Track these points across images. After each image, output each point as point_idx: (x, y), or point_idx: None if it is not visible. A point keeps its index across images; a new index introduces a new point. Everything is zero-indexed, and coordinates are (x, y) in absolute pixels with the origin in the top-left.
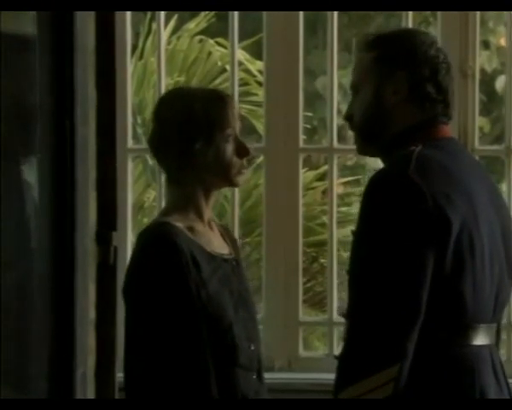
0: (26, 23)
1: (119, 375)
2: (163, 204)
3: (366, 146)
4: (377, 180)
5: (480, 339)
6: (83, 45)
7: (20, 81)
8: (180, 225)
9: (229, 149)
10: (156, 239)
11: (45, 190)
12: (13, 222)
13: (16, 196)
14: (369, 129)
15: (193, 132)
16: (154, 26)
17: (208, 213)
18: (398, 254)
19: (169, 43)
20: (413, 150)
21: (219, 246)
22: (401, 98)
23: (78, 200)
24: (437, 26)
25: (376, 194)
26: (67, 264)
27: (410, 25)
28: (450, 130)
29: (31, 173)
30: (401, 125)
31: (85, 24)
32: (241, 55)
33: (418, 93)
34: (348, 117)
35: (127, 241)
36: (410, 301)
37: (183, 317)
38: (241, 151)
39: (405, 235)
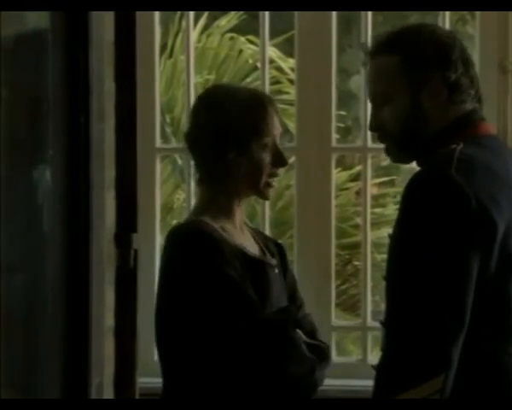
0: (38, 14)
1: (142, 380)
2: (192, 205)
3: (404, 154)
4: (418, 181)
5: None
6: (98, 36)
7: (31, 75)
8: (213, 224)
9: (265, 158)
10: (194, 234)
11: (58, 189)
12: (23, 223)
13: (27, 196)
14: (408, 137)
15: (228, 140)
16: (183, 23)
17: (240, 215)
18: (440, 258)
19: (199, 40)
20: (454, 149)
21: (252, 249)
22: (441, 100)
23: (93, 200)
24: (475, 22)
25: (417, 195)
26: (82, 267)
27: (447, 22)
28: (492, 127)
29: (43, 171)
30: (440, 125)
31: (101, 15)
32: (272, 52)
33: (457, 91)
34: (376, 128)
35: (155, 243)
36: (455, 308)
37: (233, 303)
38: (278, 161)
39: (448, 238)
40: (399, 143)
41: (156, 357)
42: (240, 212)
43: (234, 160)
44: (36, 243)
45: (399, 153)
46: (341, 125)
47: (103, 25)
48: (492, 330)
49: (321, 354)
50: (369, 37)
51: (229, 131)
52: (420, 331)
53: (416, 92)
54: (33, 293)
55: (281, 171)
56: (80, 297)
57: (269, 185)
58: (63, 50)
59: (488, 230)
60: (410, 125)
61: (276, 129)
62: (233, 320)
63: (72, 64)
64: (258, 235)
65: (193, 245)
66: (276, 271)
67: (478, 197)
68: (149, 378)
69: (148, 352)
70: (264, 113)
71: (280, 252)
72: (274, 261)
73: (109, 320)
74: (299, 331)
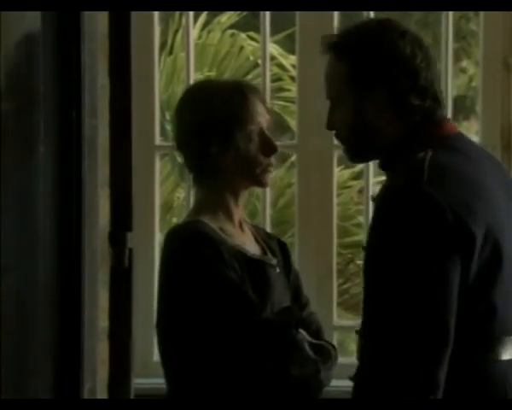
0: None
1: (141, 381)
2: (192, 204)
3: (357, 157)
4: (389, 196)
5: (510, 353)
6: (90, 29)
7: (21, 67)
8: (212, 224)
9: (252, 147)
10: (191, 235)
11: (49, 186)
12: (13, 222)
13: (16, 194)
14: (357, 143)
15: (209, 134)
16: (183, 20)
17: (238, 213)
18: (421, 278)
19: (200, 37)
20: (423, 158)
21: (252, 248)
22: (384, 113)
23: (85, 198)
24: (479, 20)
25: (390, 212)
26: (74, 268)
27: (450, 20)
28: (454, 125)
29: (33, 168)
30: (392, 135)
31: None
32: (273, 49)
33: (402, 106)
34: (331, 127)
35: (155, 243)
36: (439, 329)
37: (232, 305)
38: (267, 148)
39: (427, 256)
40: (350, 147)
41: (155, 358)
42: (238, 210)
43: (218, 154)
44: (26, 243)
45: (352, 155)
46: None
47: (96, 17)
48: (474, 339)
49: (326, 354)
50: None
51: (210, 125)
52: (404, 355)
53: (360, 103)
54: (23, 294)
55: (273, 159)
56: (72, 299)
57: (265, 172)
58: (54, 43)
59: (466, 243)
60: (356, 131)
61: (262, 116)
62: (233, 322)
63: (63, 57)
64: (259, 233)
65: (191, 247)
66: (278, 270)
67: (454, 210)
68: (149, 379)
69: (148, 353)
70: (244, 101)
71: (283, 250)
72: (275, 261)
73: (104, 322)
74: (302, 332)
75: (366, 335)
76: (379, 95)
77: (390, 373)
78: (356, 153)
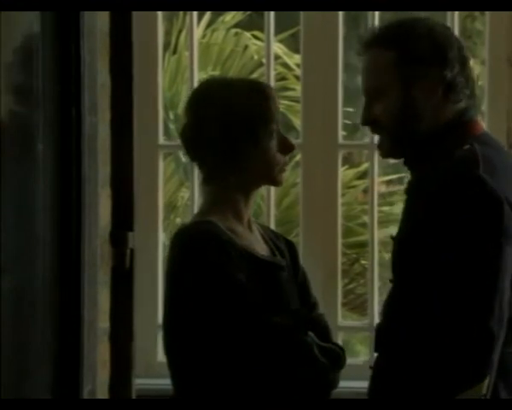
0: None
1: (144, 381)
2: (196, 203)
3: (396, 148)
4: (448, 183)
5: None
6: (89, 26)
7: (20, 65)
8: (221, 224)
9: (273, 146)
10: (200, 236)
11: (48, 185)
12: (11, 222)
13: (15, 193)
14: (403, 132)
15: (237, 131)
16: (187, 19)
17: (247, 213)
18: (482, 264)
19: (204, 36)
20: (473, 150)
21: (261, 249)
22: (435, 98)
23: (85, 197)
24: (484, 18)
25: (450, 198)
26: (73, 269)
27: (456, 19)
28: (480, 123)
29: (32, 167)
30: (435, 122)
31: None
32: (278, 48)
33: (452, 90)
34: (370, 121)
35: (158, 242)
36: (498, 312)
37: (239, 307)
38: (285, 147)
39: (488, 243)
40: (393, 137)
41: (159, 358)
42: (247, 210)
43: (246, 151)
44: (24, 243)
45: (392, 147)
46: (349, 122)
47: (96, 15)
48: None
49: (335, 357)
50: None
51: (238, 122)
52: (464, 336)
53: (410, 88)
54: (23, 294)
55: (288, 158)
56: (72, 300)
57: (281, 171)
58: (53, 40)
59: None
60: (403, 119)
61: (279, 114)
62: (241, 325)
63: (62, 54)
64: (267, 233)
65: (200, 247)
66: (286, 272)
67: (508, 200)
68: (153, 380)
69: (151, 353)
70: (267, 98)
71: (290, 250)
72: (283, 262)
73: (105, 323)
74: (311, 334)
75: (413, 321)
76: (433, 77)
77: (448, 357)
78: (397, 143)
